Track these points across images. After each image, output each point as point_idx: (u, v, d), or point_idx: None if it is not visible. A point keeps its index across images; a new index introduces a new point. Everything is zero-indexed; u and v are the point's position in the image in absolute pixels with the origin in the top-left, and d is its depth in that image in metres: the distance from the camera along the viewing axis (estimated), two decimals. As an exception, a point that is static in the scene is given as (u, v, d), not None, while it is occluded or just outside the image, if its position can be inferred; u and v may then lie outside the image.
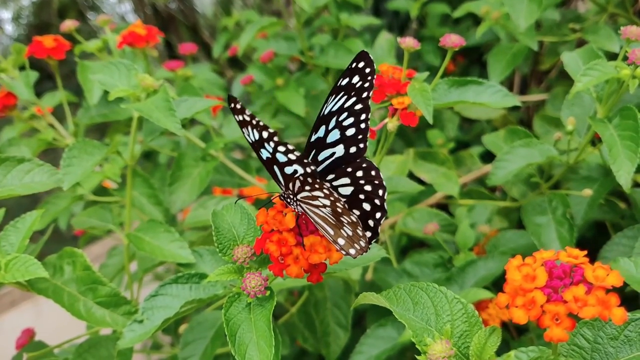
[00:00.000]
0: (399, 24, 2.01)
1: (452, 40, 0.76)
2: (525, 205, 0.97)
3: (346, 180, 0.59)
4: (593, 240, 1.26)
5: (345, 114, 0.60)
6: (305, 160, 0.55)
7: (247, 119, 0.54)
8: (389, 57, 1.44)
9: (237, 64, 2.30)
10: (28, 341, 0.93)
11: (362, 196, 0.58)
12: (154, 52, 1.57)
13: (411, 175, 1.20)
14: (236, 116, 0.55)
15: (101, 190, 1.13)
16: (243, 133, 0.56)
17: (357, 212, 0.58)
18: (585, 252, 0.45)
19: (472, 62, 1.81)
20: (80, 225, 0.91)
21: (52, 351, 0.84)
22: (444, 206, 1.28)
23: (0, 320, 2.92)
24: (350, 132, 0.60)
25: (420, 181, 1.22)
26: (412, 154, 1.24)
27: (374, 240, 0.59)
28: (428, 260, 1.03)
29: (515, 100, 0.81)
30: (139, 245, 0.80)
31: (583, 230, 1.12)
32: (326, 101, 0.60)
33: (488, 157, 1.26)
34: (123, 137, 1.32)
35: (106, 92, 0.87)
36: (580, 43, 1.31)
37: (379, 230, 0.58)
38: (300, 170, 0.55)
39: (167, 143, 1.38)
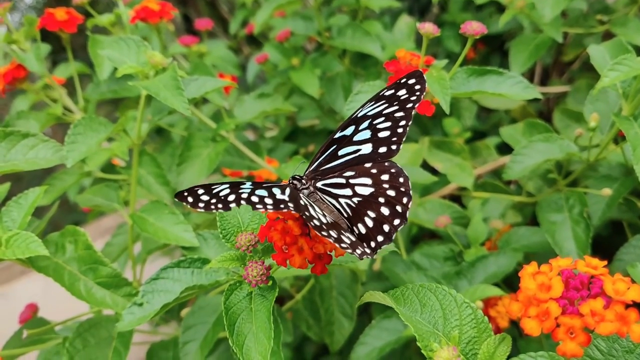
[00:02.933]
0: (420, 7, 1.97)
1: (474, 27, 0.73)
2: (540, 201, 0.94)
3: (367, 180, 0.57)
4: (608, 239, 1.23)
5: (383, 118, 0.59)
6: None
7: (208, 198, 0.52)
8: (407, 42, 1.40)
9: (254, 41, 2.27)
10: (31, 316, 0.92)
11: (382, 199, 0.56)
12: (170, 27, 1.55)
13: (425, 164, 1.17)
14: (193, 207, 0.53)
15: (110, 167, 1.12)
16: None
17: (372, 215, 0.56)
18: (605, 263, 0.43)
19: (493, 50, 1.76)
20: (85, 204, 0.90)
21: (54, 328, 0.83)
22: (457, 197, 1.25)
23: (11, 288, 2.94)
24: (384, 134, 0.59)
25: (433, 170, 1.20)
26: (427, 143, 1.21)
27: (384, 246, 0.56)
28: (438, 253, 1.01)
29: (536, 92, 0.78)
30: (143, 227, 0.79)
31: (598, 228, 1.09)
32: (362, 106, 0.60)
33: (504, 148, 1.23)
34: (134, 112, 1.30)
35: (116, 68, 0.85)
36: (607, 35, 1.27)
37: (393, 238, 0.55)
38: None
39: (179, 121, 1.36)
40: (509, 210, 1.14)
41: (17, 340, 0.79)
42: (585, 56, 1.50)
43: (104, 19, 1.06)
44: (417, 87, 0.58)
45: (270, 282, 0.55)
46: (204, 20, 1.43)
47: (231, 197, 0.52)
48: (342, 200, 0.57)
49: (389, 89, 0.59)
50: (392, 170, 0.57)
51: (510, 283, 1.12)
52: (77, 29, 1.01)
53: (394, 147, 0.58)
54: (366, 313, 1.16)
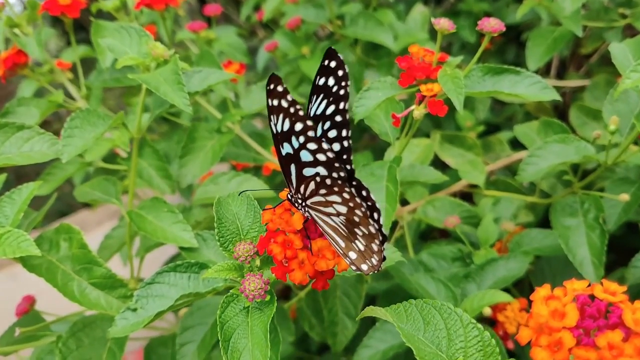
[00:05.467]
0: (436, -5, 1.92)
1: (491, 25, 0.69)
2: (554, 204, 0.90)
3: (337, 198, 0.51)
4: (622, 239, 1.20)
5: (329, 123, 0.53)
6: (337, 165, 0.49)
7: (285, 105, 0.47)
8: (421, 32, 1.37)
9: (269, 24, 2.23)
10: (28, 309, 0.91)
11: (356, 219, 0.51)
12: (180, 12, 1.51)
13: (436, 159, 1.14)
14: (271, 100, 0.48)
15: (114, 156, 1.09)
16: (269, 119, 0.49)
17: (360, 233, 0.51)
18: (625, 289, 0.40)
19: (509, 40, 1.72)
20: (83, 197, 0.87)
21: (49, 324, 0.81)
22: (468, 194, 1.22)
23: (21, 268, 2.94)
24: (336, 147, 0.53)
25: (444, 165, 1.17)
26: (439, 138, 1.18)
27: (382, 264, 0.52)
28: (446, 253, 0.98)
29: (554, 94, 0.74)
30: (141, 225, 0.76)
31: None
32: (310, 100, 0.53)
33: (518, 142, 1.19)
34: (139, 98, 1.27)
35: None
36: (627, 28, 1.22)
37: (384, 253, 0.52)
38: (323, 173, 0.49)
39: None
40: (521, 209, 1.11)
41: (10, 336, 0.77)
42: (605, 49, 1.46)
43: (109, 4, 1.03)
44: (340, 73, 0.51)
45: (268, 297, 0.52)
46: (213, 6, 1.40)
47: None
48: (334, 219, 0.52)
49: (320, 75, 0.52)
50: (354, 182, 0.52)
51: (520, 286, 1.09)
52: (86, 10, 0.98)
53: (342, 174, 0.51)
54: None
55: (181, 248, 0.73)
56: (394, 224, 1.10)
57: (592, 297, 0.40)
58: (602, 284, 0.41)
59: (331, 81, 0.52)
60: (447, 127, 1.49)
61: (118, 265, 1.06)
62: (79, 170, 1.01)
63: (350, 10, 1.35)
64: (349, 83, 0.52)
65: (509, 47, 1.71)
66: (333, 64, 0.51)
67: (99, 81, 0.97)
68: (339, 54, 0.51)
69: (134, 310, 0.60)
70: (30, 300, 0.91)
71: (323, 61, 0.51)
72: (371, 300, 1.18)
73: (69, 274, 0.68)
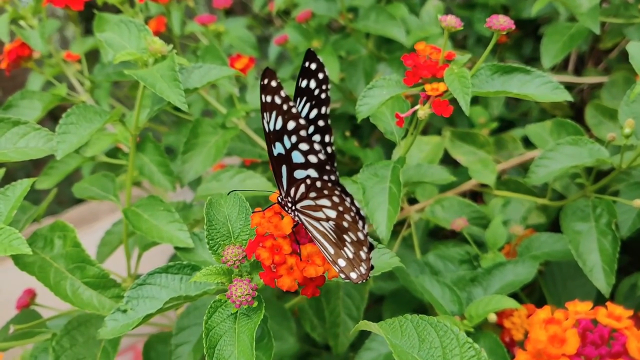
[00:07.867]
0: (452, -12, 1.88)
1: (500, 22, 0.66)
2: (565, 207, 0.87)
3: (327, 202, 0.49)
4: (637, 241, 1.17)
5: (312, 127, 0.51)
6: (328, 168, 0.47)
7: (278, 102, 0.45)
8: (434, 26, 1.33)
9: (282, 15, 2.20)
10: (28, 302, 0.90)
11: (345, 224, 0.49)
12: (190, 2, 1.49)
13: (447, 156, 1.12)
14: (264, 96, 0.46)
15: (117, 150, 1.08)
16: (262, 117, 0.47)
17: (349, 239, 0.49)
18: (631, 313, 0.37)
19: (526, 34, 1.68)
20: (81, 194, 0.86)
21: (46, 321, 0.80)
22: (478, 192, 1.19)
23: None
24: (322, 154, 0.50)
25: (455, 163, 1.14)
26: (449, 135, 1.15)
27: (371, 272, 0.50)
28: (453, 255, 0.95)
29: (566, 94, 0.71)
30: (136, 223, 0.74)
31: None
32: (295, 101, 0.51)
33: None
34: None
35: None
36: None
37: (371, 263, 0.49)
38: (314, 176, 0.47)
39: (195, 102, 1.32)
40: (533, 210, 1.08)
41: (6, 332, 0.76)
42: (625, 45, 1.41)
43: (112, -4, 1.01)
44: (320, 76, 0.49)
45: (255, 303, 0.51)
46: (223, -1, 1.38)
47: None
48: (324, 224, 0.50)
49: (301, 77, 0.50)
50: (339, 188, 0.49)
51: (529, 291, 1.07)
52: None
53: (332, 177, 0.50)
54: (374, 312, 1.12)
55: (176, 248, 0.71)
56: (402, 222, 1.07)
57: (596, 321, 0.38)
58: (606, 307, 0.38)
59: (312, 84, 0.50)
60: (460, 123, 1.46)
61: (121, 260, 1.05)
62: (85, 164, 1.00)
63: (363, 4, 1.32)
64: (329, 87, 0.50)
65: (526, 41, 1.67)
66: (313, 66, 0.50)
67: (103, 75, 0.96)
68: (318, 56, 0.50)
69: (124, 311, 0.59)
70: (31, 294, 0.90)
71: (304, 63, 0.50)
72: (378, 300, 1.16)
73: (62, 273, 0.67)
